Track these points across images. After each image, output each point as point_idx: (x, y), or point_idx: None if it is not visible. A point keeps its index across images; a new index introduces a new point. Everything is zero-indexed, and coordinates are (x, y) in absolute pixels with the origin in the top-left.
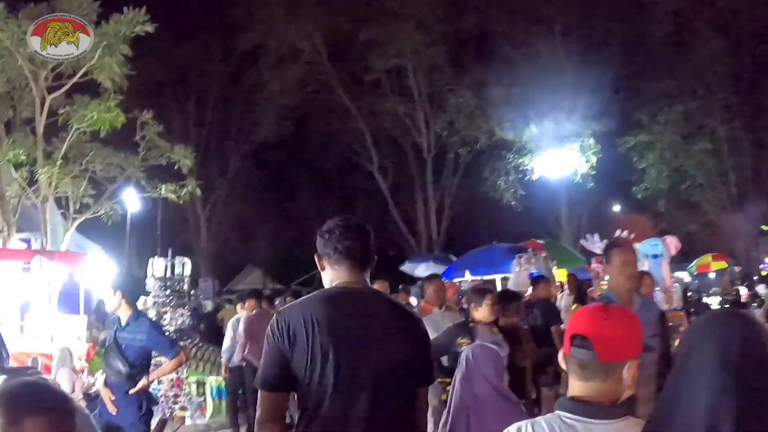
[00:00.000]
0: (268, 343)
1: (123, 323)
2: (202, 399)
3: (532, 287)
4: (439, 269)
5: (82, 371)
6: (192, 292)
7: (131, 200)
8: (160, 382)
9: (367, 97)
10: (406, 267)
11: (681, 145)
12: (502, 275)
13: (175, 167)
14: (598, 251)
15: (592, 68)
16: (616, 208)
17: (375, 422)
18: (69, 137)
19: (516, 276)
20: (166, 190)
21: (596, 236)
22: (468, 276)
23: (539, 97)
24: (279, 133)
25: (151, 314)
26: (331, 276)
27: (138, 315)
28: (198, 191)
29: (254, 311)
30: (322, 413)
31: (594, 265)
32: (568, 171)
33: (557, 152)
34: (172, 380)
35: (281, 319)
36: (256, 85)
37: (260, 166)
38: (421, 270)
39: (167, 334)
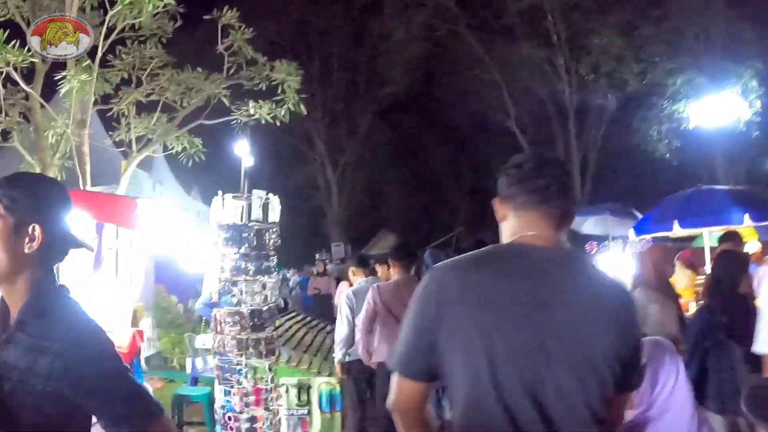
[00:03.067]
0: (412, 313)
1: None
2: (306, 412)
3: None
4: (620, 223)
5: None
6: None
7: (243, 151)
8: (228, 393)
9: (500, 45)
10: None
11: None
12: (719, 228)
13: (278, 90)
14: None
15: None
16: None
17: None
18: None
19: None
20: (256, 109)
21: None
22: (677, 228)
23: (692, 34)
24: (407, 90)
25: (209, 289)
26: (512, 227)
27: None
28: (302, 109)
29: (396, 278)
30: (478, 417)
31: None
32: (728, 118)
33: (715, 97)
34: (245, 389)
35: (432, 283)
36: (380, 37)
37: (390, 127)
38: (590, 225)
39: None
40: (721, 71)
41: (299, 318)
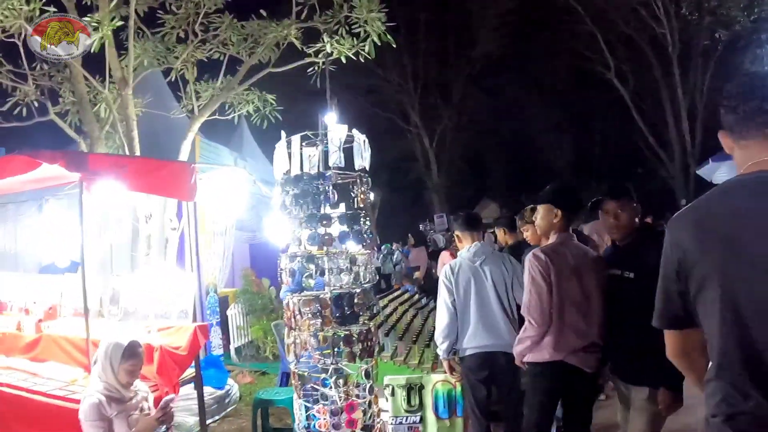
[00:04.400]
0: (662, 262)
1: None
2: (418, 419)
3: None
4: None
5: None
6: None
7: (332, 121)
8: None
9: None
10: (705, 170)
11: None
12: None
13: (362, 34)
14: None
15: None
16: None
17: None
18: None
19: None
20: (332, 46)
21: None
22: None
23: None
24: (499, 51)
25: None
26: (741, 157)
27: None
28: (391, 40)
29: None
30: (735, 358)
31: None
32: None
33: None
34: (334, 403)
35: (672, 230)
36: None
37: (485, 91)
38: (724, 173)
39: None
40: None
41: (405, 298)
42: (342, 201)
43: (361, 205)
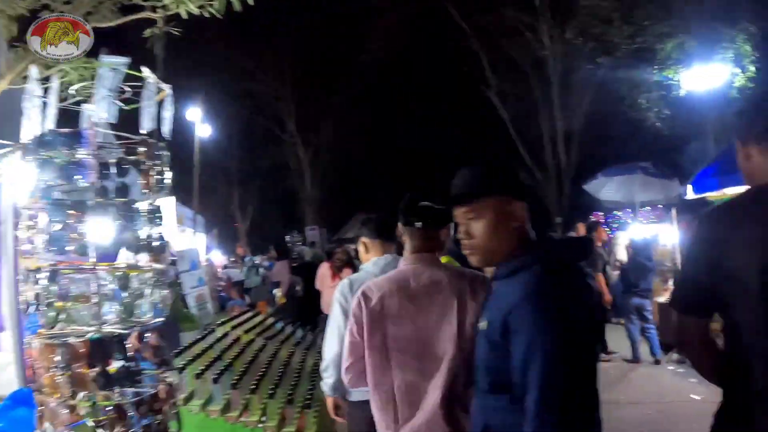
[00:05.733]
0: (692, 252)
1: None
2: None
3: None
4: (652, 186)
5: None
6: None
7: (196, 118)
8: None
9: (480, 12)
10: (593, 185)
11: None
12: None
13: None
14: None
15: None
16: None
17: None
18: None
19: None
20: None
21: None
22: None
23: None
24: (384, 65)
25: None
26: (762, 167)
27: None
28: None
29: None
30: (757, 356)
31: None
32: (720, 84)
33: (707, 62)
34: None
35: (712, 224)
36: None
37: (366, 105)
38: (612, 190)
39: None
40: (714, 35)
41: (257, 321)
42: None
43: (147, 191)
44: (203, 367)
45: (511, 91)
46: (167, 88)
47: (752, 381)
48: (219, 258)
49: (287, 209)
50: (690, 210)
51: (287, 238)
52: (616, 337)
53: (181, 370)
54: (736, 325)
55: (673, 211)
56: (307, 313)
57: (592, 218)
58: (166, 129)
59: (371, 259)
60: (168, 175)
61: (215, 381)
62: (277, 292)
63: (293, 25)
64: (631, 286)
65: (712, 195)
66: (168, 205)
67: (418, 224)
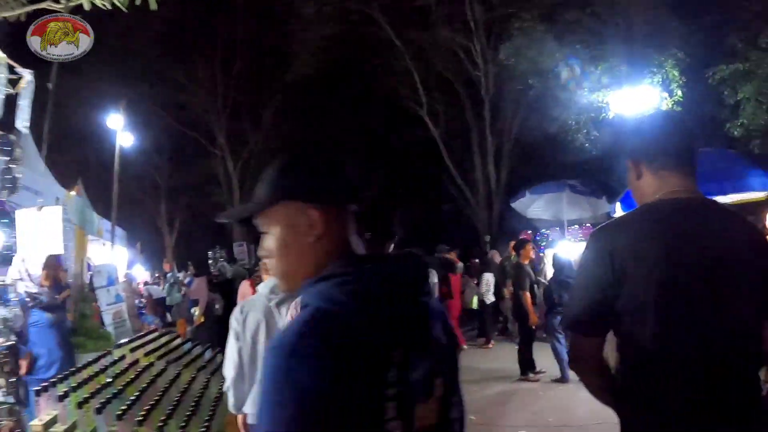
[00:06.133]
0: (584, 271)
1: None
2: None
3: None
4: (580, 204)
5: None
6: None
7: (118, 125)
8: None
9: (414, 30)
10: (521, 203)
11: None
12: (738, 197)
13: None
14: None
15: None
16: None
17: (724, 382)
18: None
19: None
20: None
21: None
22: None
23: (614, 22)
24: (315, 79)
25: None
26: (654, 185)
27: None
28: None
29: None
30: (657, 368)
31: None
32: (648, 107)
33: (636, 86)
34: None
35: (603, 242)
36: (288, 14)
37: (296, 118)
38: (540, 208)
39: None
40: (643, 60)
41: (161, 342)
42: None
43: None
44: (87, 395)
45: (442, 109)
46: (27, 74)
47: (649, 396)
48: (142, 273)
49: (216, 224)
50: None
51: (210, 253)
52: (544, 356)
53: (62, 398)
54: (632, 342)
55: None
56: (225, 332)
57: (521, 236)
58: (22, 120)
59: (265, 281)
60: (19, 171)
61: (98, 411)
62: (195, 311)
63: (225, 38)
64: (554, 305)
65: None
66: (52, 214)
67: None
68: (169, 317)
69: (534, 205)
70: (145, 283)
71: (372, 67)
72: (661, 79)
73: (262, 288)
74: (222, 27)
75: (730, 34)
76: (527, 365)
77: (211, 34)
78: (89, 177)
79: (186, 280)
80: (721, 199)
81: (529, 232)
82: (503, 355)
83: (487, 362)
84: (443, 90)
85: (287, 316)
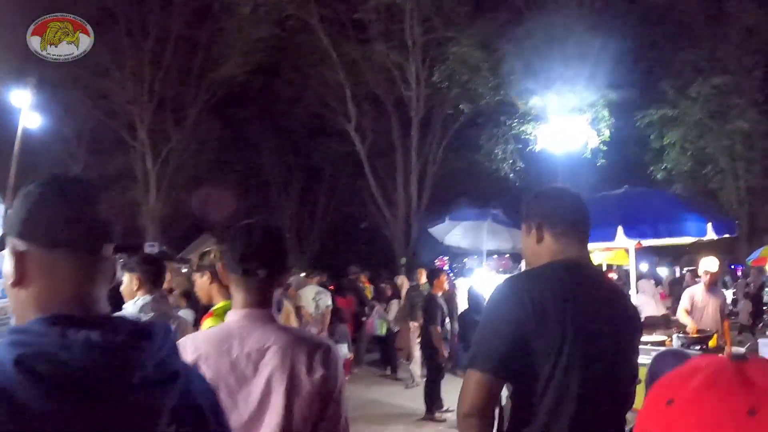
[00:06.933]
0: (499, 310)
1: None
2: None
3: None
4: (500, 234)
5: None
6: None
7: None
8: None
9: (350, 43)
10: (439, 228)
11: (709, 123)
12: (671, 240)
13: None
14: None
15: (613, 31)
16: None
17: (606, 423)
18: None
19: None
20: None
21: None
22: (620, 238)
23: (550, 58)
24: (244, 82)
25: None
26: (552, 249)
27: None
28: None
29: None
30: (556, 408)
31: None
32: (575, 144)
33: (566, 122)
34: None
35: (520, 285)
36: (226, 11)
37: (222, 120)
38: (457, 235)
39: None
40: (575, 97)
41: None
42: None
43: None
44: None
45: (370, 126)
46: None
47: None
48: None
49: (128, 221)
50: None
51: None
52: (453, 391)
53: None
54: (529, 392)
55: (523, 262)
56: None
57: (437, 263)
58: None
59: (136, 297)
60: None
61: None
62: None
63: (158, 29)
64: (466, 340)
65: None
66: None
67: (262, 272)
68: None
69: (453, 232)
70: None
71: (303, 76)
72: (590, 118)
73: (130, 306)
74: (156, 16)
75: (662, 80)
76: (434, 403)
77: (143, 22)
78: None
79: None
80: (654, 242)
81: (446, 258)
82: (409, 391)
83: (390, 397)
84: (373, 106)
85: None
